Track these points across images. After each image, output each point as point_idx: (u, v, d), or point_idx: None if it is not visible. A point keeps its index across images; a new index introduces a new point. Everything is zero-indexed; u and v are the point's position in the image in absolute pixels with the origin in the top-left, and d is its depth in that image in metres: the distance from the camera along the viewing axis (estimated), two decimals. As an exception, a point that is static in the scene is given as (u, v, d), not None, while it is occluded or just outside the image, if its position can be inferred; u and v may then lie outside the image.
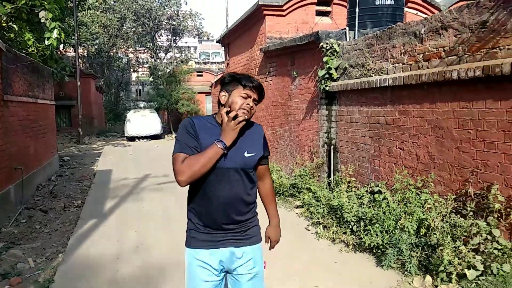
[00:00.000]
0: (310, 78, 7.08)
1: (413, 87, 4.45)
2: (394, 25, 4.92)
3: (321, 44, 6.25)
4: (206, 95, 24.43)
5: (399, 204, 4.30)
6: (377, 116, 5.20)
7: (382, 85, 4.92)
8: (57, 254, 4.58)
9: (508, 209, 3.39)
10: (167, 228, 5.48)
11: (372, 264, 4.13)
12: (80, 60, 22.23)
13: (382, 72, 5.09)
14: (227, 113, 1.87)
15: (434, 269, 3.58)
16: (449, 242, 3.50)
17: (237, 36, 11.70)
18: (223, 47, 13.91)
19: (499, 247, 3.36)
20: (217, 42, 13.87)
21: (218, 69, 32.02)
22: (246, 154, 1.95)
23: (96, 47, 28.90)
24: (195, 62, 44.46)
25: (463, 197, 3.84)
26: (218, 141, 1.84)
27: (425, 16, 8.90)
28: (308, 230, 5.28)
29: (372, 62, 5.30)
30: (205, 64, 50.78)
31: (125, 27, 30.10)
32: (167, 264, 4.20)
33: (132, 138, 20.07)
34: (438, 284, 3.49)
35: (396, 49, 4.81)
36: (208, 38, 47.50)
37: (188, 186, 1.95)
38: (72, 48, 21.90)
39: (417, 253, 3.81)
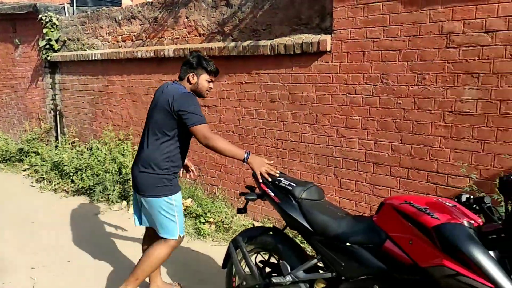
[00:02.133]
0: (33, 47, 7.35)
1: (115, 61, 5.64)
2: (100, 9, 5.94)
3: (40, 16, 6.66)
4: None
5: (106, 154, 5.50)
6: (92, 84, 6.20)
7: (94, 58, 5.92)
8: None
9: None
10: None
11: (87, 202, 5.21)
12: None
13: (94, 47, 6.08)
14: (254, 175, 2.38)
15: (128, 196, 4.97)
16: (137, 175, 4.93)
17: None
18: None
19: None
20: None
21: None
22: None
23: None
24: None
25: (149, 143, 5.36)
26: (247, 153, 2.38)
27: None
28: (33, 186, 5.90)
29: (86, 38, 6.20)
30: None
31: None
32: None
33: None
34: (130, 205, 4.90)
35: (103, 29, 5.87)
36: None
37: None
38: None
39: (118, 187, 5.12)
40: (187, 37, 4.72)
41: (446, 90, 2.93)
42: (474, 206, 1.79)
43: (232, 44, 4.15)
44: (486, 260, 1.47)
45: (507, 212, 1.53)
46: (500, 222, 1.60)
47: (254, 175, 2.42)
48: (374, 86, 3.28)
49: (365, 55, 3.29)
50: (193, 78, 2.61)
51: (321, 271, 2.12)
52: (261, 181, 2.34)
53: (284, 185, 2.24)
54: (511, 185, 1.48)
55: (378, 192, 3.39)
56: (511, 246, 1.50)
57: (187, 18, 4.68)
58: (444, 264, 1.54)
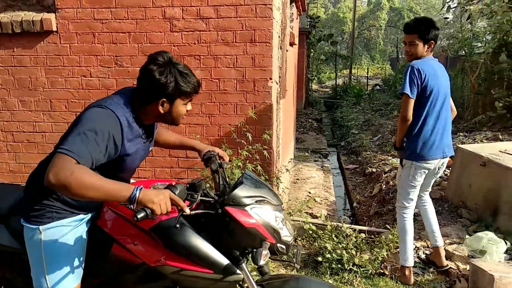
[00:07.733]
0: None
1: None
2: None
3: None
4: None
5: None
6: None
7: None
8: None
9: None
10: None
11: None
12: None
13: None
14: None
15: None
16: None
17: None
18: None
19: None
20: None
21: None
22: None
23: None
24: None
25: None
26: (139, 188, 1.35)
27: None
28: None
29: None
30: None
31: None
32: None
33: None
34: None
35: None
36: None
37: None
38: None
39: None
40: None
41: (176, 71, 3.20)
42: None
43: None
44: (201, 249, 1.52)
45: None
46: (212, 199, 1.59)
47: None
48: (109, 68, 3.25)
49: (96, 36, 3.20)
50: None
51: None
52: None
53: None
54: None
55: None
56: (217, 225, 1.58)
57: None
58: (167, 264, 1.53)
